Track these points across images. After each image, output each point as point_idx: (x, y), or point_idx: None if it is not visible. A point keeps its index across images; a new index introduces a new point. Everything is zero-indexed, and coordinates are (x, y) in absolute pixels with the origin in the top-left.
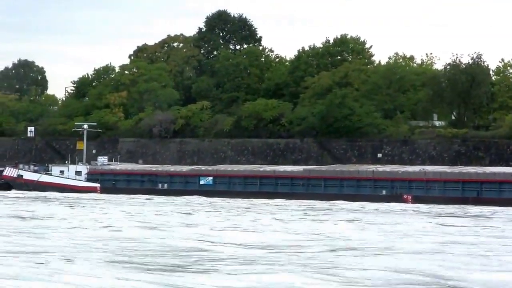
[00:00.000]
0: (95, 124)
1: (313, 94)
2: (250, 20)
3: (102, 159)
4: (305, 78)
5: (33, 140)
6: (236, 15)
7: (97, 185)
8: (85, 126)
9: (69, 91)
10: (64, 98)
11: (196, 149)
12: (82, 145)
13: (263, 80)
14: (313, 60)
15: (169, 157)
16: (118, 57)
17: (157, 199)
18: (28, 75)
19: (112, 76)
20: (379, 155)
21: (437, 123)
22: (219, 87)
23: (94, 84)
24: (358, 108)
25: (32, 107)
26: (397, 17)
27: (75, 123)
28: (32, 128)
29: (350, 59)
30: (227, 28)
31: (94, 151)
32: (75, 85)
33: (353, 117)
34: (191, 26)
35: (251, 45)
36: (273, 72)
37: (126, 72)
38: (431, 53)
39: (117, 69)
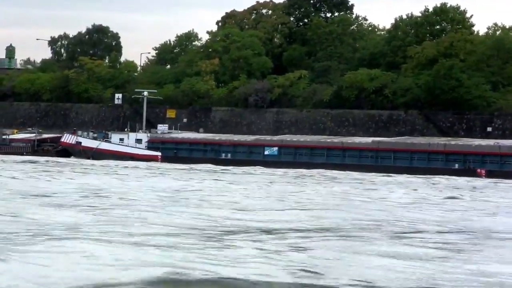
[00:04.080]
0: (155, 91)
1: (417, 64)
2: None
3: (163, 127)
4: (407, 48)
5: (121, 107)
6: None
7: (158, 153)
8: (145, 93)
9: (150, 57)
10: (143, 65)
11: (294, 120)
12: (173, 114)
13: (356, 49)
14: (411, 29)
15: (265, 127)
16: (201, 23)
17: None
18: (102, 41)
19: (195, 42)
20: (489, 129)
21: None
22: (311, 56)
23: (176, 50)
24: (466, 80)
25: (118, 74)
26: None
27: (135, 90)
28: (120, 95)
29: (449, 28)
30: None
31: (185, 120)
32: (156, 51)
33: (461, 89)
34: None
35: (342, 13)
36: (367, 42)
37: (217, 39)
38: None
39: (200, 36)
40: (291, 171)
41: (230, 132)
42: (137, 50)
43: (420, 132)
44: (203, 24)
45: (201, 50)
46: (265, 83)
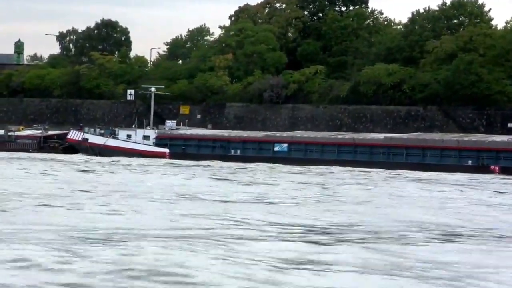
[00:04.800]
0: (163, 87)
1: (435, 59)
2: None
3: (170, 123)
4: (426, 43)
5: (133, 103)
6: None
7: (166, 150)
8: (152, 89)
9: (161, 52)
10: (154, 60)
11: (309, 116)
12: (186, 110)
13: (372, 44)
14: (428, 23)
15: (280, 124)
16: (212, 18)
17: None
18: (111, 36)
19: (207, 37)
20: (510, 124)
21: None
22: (326, 50)
23: (187, 45)
24: (486, 74)
25: (129, 69)
26: None
27: (142, 86)
28: (132, 91)
29: (467, 22)
30: None
31: (198, 116)
32: (167, 46)
33: (481, 84)
34: None
35: (357, 7)
36: (383, 36)
37: (231, 33)
38: None
39: (212, 30)
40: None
41: (244, 128)
42: (145, 45)
43: (439, 128)
44: (214, 18)
45: (215, 45)
46: (280, 79)
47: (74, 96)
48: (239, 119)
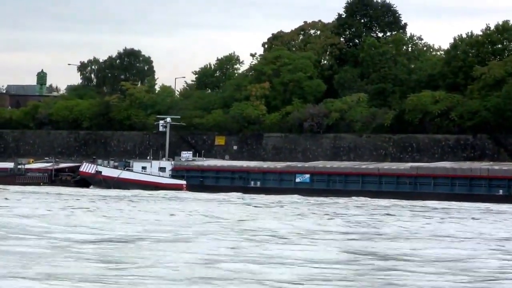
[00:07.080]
0: (179, 117)
1: (483, 85)
2: (394, 6)
3: (187, 155)
4: (473, 68)
5: (166, 134)
6: (379, 0)
7: (183, 182)
8: (168, 120)
9: (188, 82)
10: (180, 89)
11: (352, 146)
12: (222, 141)
13: (411, 71)
14: (471, 48)
15: (322, 154)
16: (242, 45)
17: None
18: (134, 65)
19: (236, 65)
20: None
21: None
22: (364, 78)
23: (216, 74)
24: None
25: (160, 99)
26: None
27: (157, 116)
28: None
29: (511, 47)
30: (369, 14)
31: (235, 147)
32: (196, 75)
33: None
34: (329, 11)
35: (395, 32)
36: (423, 62)
37: (265, 61)
38: None
39: (242, 58)
40: None
41: (284, 159)
42: (167, 74)
43: (490, 157)
44: (243, 46)
45: (250, 73)
46: (320, 107)
47: (104, 127)
48: (278, 150)
